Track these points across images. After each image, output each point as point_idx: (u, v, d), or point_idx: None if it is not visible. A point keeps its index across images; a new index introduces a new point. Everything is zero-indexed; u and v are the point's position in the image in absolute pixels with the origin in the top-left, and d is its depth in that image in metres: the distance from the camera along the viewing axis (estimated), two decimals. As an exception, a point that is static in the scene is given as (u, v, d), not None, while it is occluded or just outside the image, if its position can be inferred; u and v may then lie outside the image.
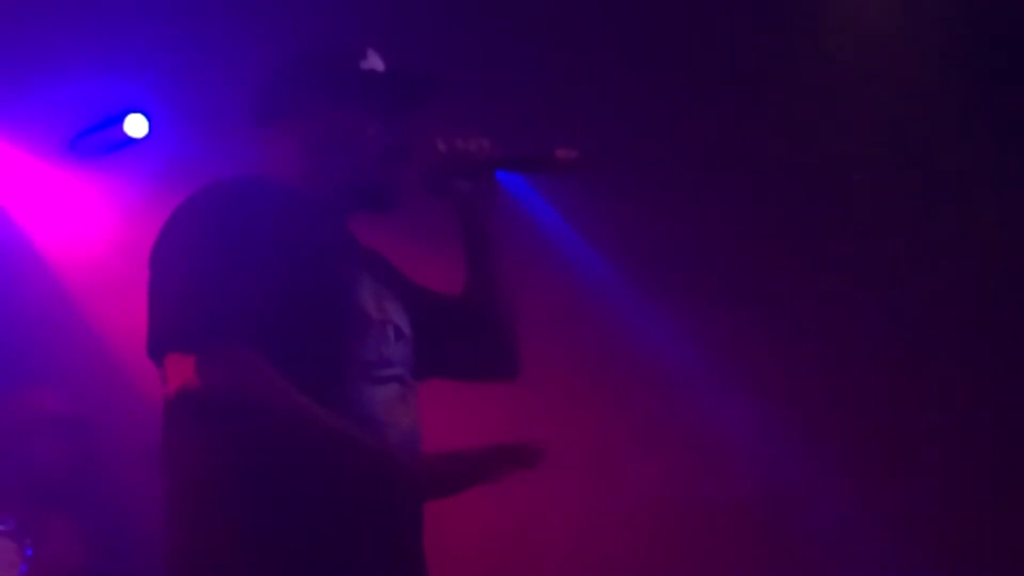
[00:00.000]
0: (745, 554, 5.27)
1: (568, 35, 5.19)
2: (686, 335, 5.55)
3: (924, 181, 5.13)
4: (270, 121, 2.71)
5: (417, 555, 2.58)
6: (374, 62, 2.71)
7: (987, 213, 5.08)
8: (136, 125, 5.32)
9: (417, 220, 2.96)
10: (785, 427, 5.38)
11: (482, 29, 5.15)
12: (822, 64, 5.11)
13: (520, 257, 5.23)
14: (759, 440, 5.41)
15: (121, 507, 4.62)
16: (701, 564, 5.32)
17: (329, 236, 2.61)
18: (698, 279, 5.45)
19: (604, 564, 5.40)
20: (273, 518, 2.36)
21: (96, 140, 5.36)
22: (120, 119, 5.31)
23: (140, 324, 2.50)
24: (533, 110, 5.15)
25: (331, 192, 2.66)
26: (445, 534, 5.24)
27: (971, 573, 4.94)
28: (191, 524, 2.42)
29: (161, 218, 2.58)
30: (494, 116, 5.27)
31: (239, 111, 2.82)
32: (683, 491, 5.40)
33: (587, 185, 5.20)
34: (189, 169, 5.08)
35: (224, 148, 4.51)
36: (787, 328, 5.37)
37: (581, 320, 5.60)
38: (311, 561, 2.36)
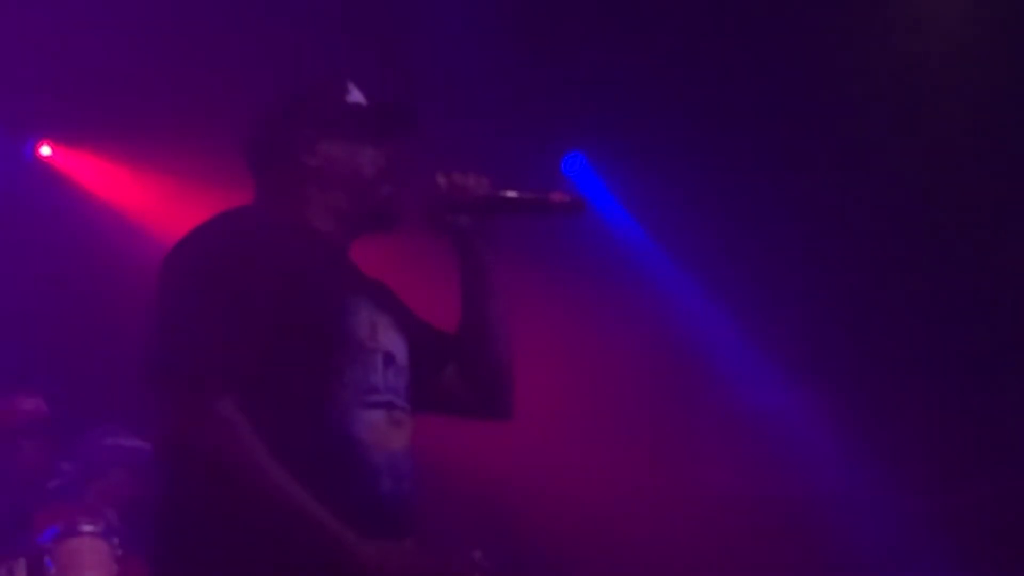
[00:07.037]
0: (814, 551, 5.31)
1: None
2: (760, 337, 5.60)
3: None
4: (267, 159, 2.81)
5: None
6: (356, 95, 2.83)
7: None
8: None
9: (420, 254, 2.97)
10: (858, 428, 5.38)
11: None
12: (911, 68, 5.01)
13: (596, 255, 5.32)
14: (828, 440, 5.39)
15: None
16: (771, 561, 5.33)
17: (323, 265, 2.69)
18: (771, 283, 5.46)
19: (679, 563, 5.40)
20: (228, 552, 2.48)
21: None
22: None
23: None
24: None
25: (331, 220, 2.76)
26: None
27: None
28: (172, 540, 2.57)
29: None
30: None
31: (236, 150, 2.88)
32: (756, 490, 5.41)
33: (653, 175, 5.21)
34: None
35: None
36: (860, 330, 5.38)
37: (656, 324, 5.66)
38: None
